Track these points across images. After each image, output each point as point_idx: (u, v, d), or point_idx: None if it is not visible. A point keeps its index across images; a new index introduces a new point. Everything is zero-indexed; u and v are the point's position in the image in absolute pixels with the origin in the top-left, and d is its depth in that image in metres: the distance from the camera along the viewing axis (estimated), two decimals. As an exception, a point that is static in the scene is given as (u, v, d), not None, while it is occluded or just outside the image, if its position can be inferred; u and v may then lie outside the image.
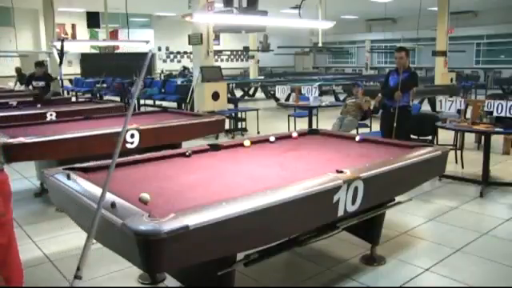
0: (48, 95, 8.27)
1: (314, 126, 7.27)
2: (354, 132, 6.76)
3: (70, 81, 16.45)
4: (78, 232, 2.51)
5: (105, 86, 13.78)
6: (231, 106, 9.34)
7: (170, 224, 1.74)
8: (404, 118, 5.51)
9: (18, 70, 13.68)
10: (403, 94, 5.51)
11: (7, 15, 13.93)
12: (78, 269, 1.71)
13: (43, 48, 14.37)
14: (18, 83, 12.68)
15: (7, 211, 1.51)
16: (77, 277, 1.70)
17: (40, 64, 8.55)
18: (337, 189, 2.41)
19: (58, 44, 8.84)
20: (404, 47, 5.93)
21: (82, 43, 17.20)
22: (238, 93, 15.37)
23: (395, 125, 5.46)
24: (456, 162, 6.07)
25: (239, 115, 9.34)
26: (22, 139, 3.98)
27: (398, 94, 5.47)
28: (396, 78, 5.64)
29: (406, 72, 5.58)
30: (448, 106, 5.51)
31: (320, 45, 9.06)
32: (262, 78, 18.09)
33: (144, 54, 2.17)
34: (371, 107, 6.96)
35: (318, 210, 2.42)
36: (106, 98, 13.18)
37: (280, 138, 3.91)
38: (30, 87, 8.70)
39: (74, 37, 18.17)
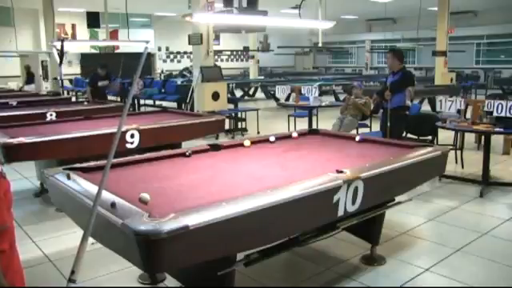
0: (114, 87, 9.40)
1: (314, 126, 7.26)
2: (354, 132, 6.76)
3: (70, 81, 16.44)
4: (78, 232, 2.50)
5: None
6: (231, 106, 9.34)
7: (170, 224, 1.74)
8: (397, 119, 5.57)
9: (27, 68, 13.30)
10: (394, 95, 5.58)
11: (7, 15, 13.87)
12: (73, 272, 1.66)
13: (43, 48, 14.32)
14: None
15: (10, 219, 1.52)
16: (71, 280, 1.65)
17: (104, 66, 8.73)
18: (337, 189, 2.41)
19: (58, 44, 8.80)
20: (393, 48, 6.01)
21: (82, 43, 17.16)
22: (238, 93, 15.38)
23: (389, 124, 5.55)
24: (456, 162, 6.07)
25: (239, 115, 9.34)
26: (22, 139, 3.98)
27: (386, 93, 5.60)
28: (391, 79, 5.82)
29: (399, 73, 5.71)
30: (448, 105, 5.52)
31: (320, 45, 9.03)
32: (262, 78, 18.07)
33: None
34: (371, 107, 6.97)
35: (318, 210, 2.42)
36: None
37: (280, 137, 3.91)
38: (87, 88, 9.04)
39: (74, 37, 18.13)
